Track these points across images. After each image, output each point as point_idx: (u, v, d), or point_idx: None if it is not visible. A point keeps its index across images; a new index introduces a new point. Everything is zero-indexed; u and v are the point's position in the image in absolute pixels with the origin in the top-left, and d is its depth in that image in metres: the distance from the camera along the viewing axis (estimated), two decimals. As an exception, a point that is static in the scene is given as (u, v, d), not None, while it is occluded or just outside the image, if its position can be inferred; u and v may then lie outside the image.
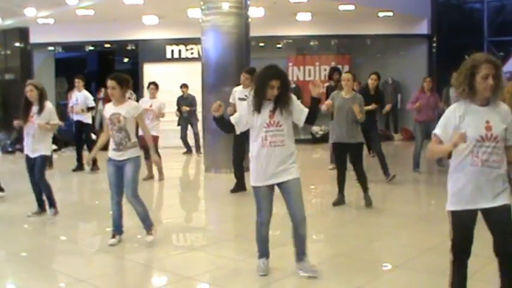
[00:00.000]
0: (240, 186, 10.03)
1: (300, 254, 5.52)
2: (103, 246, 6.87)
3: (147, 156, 11.34)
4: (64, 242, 7.52)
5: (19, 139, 16.00)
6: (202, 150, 14.50)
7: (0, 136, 16.41)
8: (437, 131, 4.21)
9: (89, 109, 13.13)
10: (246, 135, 9.40)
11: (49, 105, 8.24)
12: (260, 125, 5.33)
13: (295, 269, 5.57)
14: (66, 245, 7.35)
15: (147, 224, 6.94)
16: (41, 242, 7.57)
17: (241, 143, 9.68)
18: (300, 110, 5.40)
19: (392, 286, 5.41)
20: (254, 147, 5.41)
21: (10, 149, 15.92)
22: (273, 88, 5.24)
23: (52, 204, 8.33)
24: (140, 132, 11.24)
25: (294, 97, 5.45)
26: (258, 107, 5.32)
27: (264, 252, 5.62)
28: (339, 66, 12.37)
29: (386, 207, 8.98)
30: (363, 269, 5.89)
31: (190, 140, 15.98)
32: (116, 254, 6.65)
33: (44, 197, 8.36)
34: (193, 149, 16.06)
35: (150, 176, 11.58)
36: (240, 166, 10.03)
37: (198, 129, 15.79)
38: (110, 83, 6.68)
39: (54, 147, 15.68)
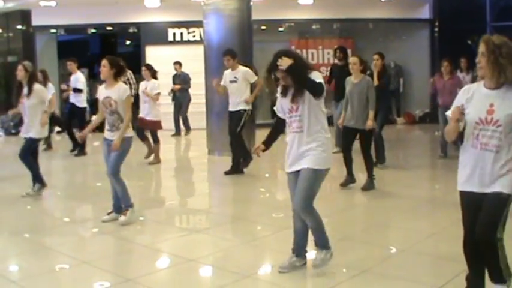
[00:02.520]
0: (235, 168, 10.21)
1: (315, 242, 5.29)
2: (106, 227, 6.90)
3: (155, 140, 11.44)
4: (67, 223, 7.54)
5: (22, 121, 16.09)
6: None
7: (3, 118, 16.42)
8: (448, 112, 4.23)
9: (75, 90, 12.93)
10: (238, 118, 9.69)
11: (37, 87, 8.33)
12: (286, 111, 5.15)
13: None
14: (69, 226, 7.37)
15: (125, 203, 7.07)
16: (44, 223, 7.62)
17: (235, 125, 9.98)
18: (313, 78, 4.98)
19: (398, 270, 5.38)
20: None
21: (13, 131, 15.93)
22: (280, 75, 5.04)
23: (38, 179, 8.45)
24: (141, 115, 11.43)
25: (313, 75, 5.00)
26: (282, 91, 5.16)
27: (293, 247, 5.36)
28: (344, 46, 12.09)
29: (393, 190, 8.95)
30: (369, 253, 5.90)
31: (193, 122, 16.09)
32: (119, 235, 6.68)
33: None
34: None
35: (156, 161, 11.59)
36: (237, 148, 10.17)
37: (187, 110, 16.08)
38: (102, 61, 7.01)
39: (58, 129, 15.76)
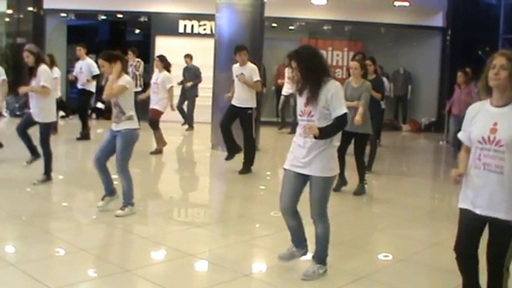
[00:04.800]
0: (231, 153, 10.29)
1: (314, 253, 5.28)
2: (105, 215, 6.89)
3: (154, 127, 11.45)
4: (66, 209, 7.53)
5: (27, 103, 16.06)
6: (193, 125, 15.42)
7: (8, 99, 16.38)
8: (460, 134, 4.21)
9: (94, 77, 13.05)
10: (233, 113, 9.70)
11: (42, 68, 8.27)
12: (299, 110, 5.07)
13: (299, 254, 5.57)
14: (68, 212, 7.37)
15: (126, 199, 6.99)
16: (43, 207, 7.59)
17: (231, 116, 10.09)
18: (335, 105, 4.91)
19: (396, 278, 5.36)
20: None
21: (18, 113, 15.89)
22: (293, 69, 4.97)
23: (47, 171, 8.43)
24: (150, 106, 11.47)
25: (333, 86, 4.93)
26: (297, 88, 5.05)
27: (292, 239, 5.37)
28: (362, 53, 12.08)
29: (394, 198, 8.94)
30: (367, 259, 5.88)
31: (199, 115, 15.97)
32: (118, 225, 6.66)
33: (35, 144, 8.67)
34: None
35: (162, 145, 11.66)
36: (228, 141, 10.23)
37: (193, 105, 15.94)
38: (99, 61, 6.99)
39: (62, 113, 15.74)
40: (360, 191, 8.68)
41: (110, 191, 7.12)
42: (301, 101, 5.02)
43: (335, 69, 18.20)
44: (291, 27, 19.27)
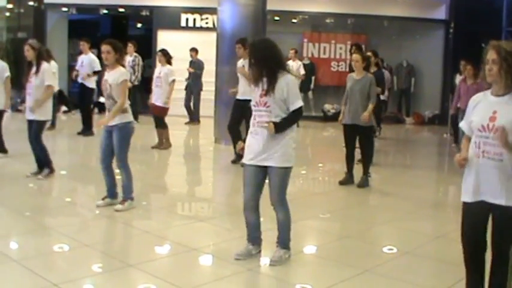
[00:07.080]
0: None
1: (278, 239, 5.40)
2: (107, 211, 6.84)
3: (162, 126, 11.40)
4: (69, 204, 7.51)
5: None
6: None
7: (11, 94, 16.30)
8: (461, 124, 4.26)
9: (95, 73, 12.96)
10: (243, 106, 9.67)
11: (45, 66, 8.21)
12: (253, 101, 5.20)
13: (302, 249, 5.65)
14: (71, 207, 7.34)
15: (125, 193, 6.93)
16: (46, 203, 7.60)
17: (239, 114, 9.98)
18: (292, 98, 5.06)
19: (401, 271, 5.33)
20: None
21: (19, 108, 15.84)
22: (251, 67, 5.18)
23: (47, 164, 8.39)
24: (152, 100, 11.42)
25: (290, 80, 5.10)
26: (253, 80, 5.22)
27: (248, 237, 5.47)
28: (361, 44, 12.01)
29: (398, 191, 8.89)
30: (372, 252, 5.85)
31: (202, 109, 15.94)
32: (122, 220, 6.62)
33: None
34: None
35: (167, 146, 11.59)
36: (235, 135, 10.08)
37: (198, 99, 15.93)
38: (105, 47, 6.79)
39: (65, 108, 15.69)
40: (363, 184, 8.66)
41: (112, 194, 7.05)
42: (257, 92, 5.15)
43: (338, 62, 18.19)
44: (293, 20, 19.17)
